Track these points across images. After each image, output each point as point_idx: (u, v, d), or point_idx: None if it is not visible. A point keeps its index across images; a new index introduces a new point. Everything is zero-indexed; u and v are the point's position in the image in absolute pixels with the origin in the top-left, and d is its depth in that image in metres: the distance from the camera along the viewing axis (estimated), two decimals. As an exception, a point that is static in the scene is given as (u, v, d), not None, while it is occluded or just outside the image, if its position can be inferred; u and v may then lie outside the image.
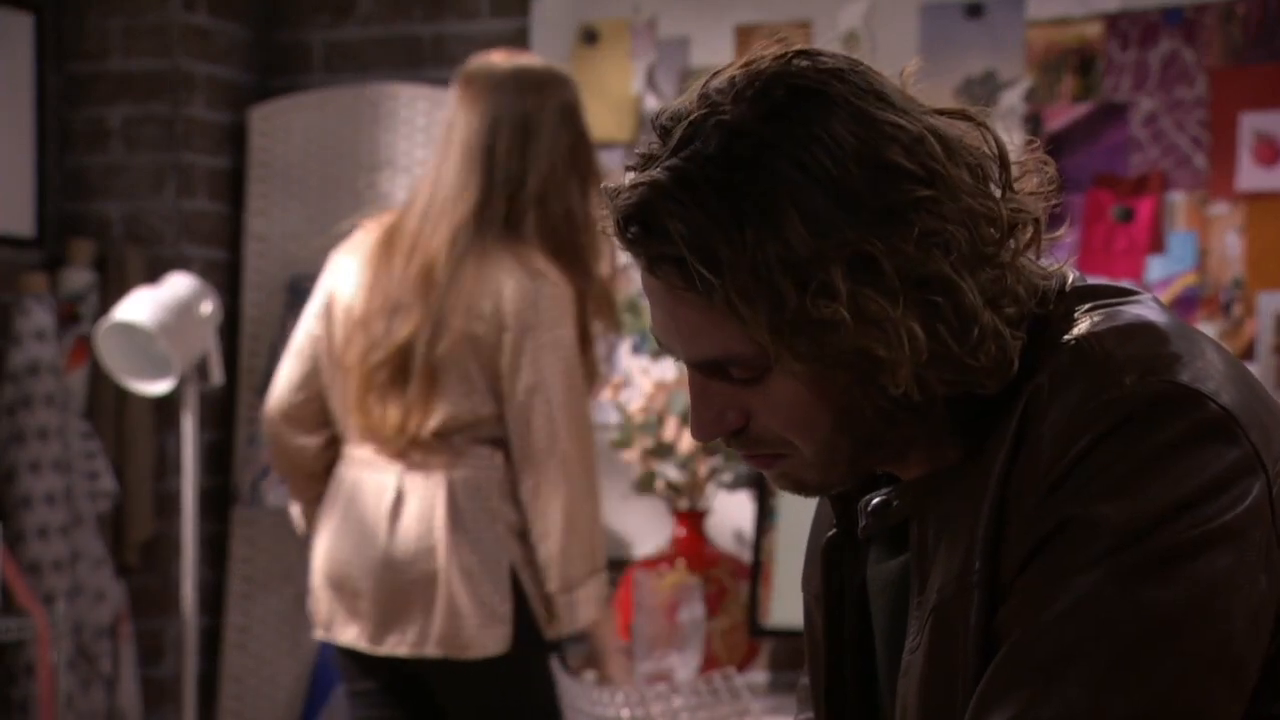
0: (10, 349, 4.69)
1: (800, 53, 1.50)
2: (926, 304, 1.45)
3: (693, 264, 1.44)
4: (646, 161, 1.48)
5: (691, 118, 1.48)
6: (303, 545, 4.80)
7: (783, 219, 1.43)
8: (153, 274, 4.64)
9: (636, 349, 4.65)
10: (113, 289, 4.74)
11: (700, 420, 1.52)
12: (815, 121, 1.45)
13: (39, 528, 4.65)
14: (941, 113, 1.51)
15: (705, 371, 1.52)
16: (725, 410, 1.52)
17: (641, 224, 1.47)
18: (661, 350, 1.53)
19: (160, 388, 4.30)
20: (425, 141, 4.93)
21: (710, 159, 1.45)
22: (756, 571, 4.16)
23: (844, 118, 1.46)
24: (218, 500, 4.99)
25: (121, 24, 5.00)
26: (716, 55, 4.64)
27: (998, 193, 1.50)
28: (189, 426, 4.41)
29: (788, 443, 1.53)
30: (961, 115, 1.52)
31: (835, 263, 1.43)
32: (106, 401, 4.80)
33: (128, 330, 4.25)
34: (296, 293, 4.90)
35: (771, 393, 1.50)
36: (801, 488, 1.57)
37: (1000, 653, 1.45)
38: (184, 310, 4.22)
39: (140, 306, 4.22)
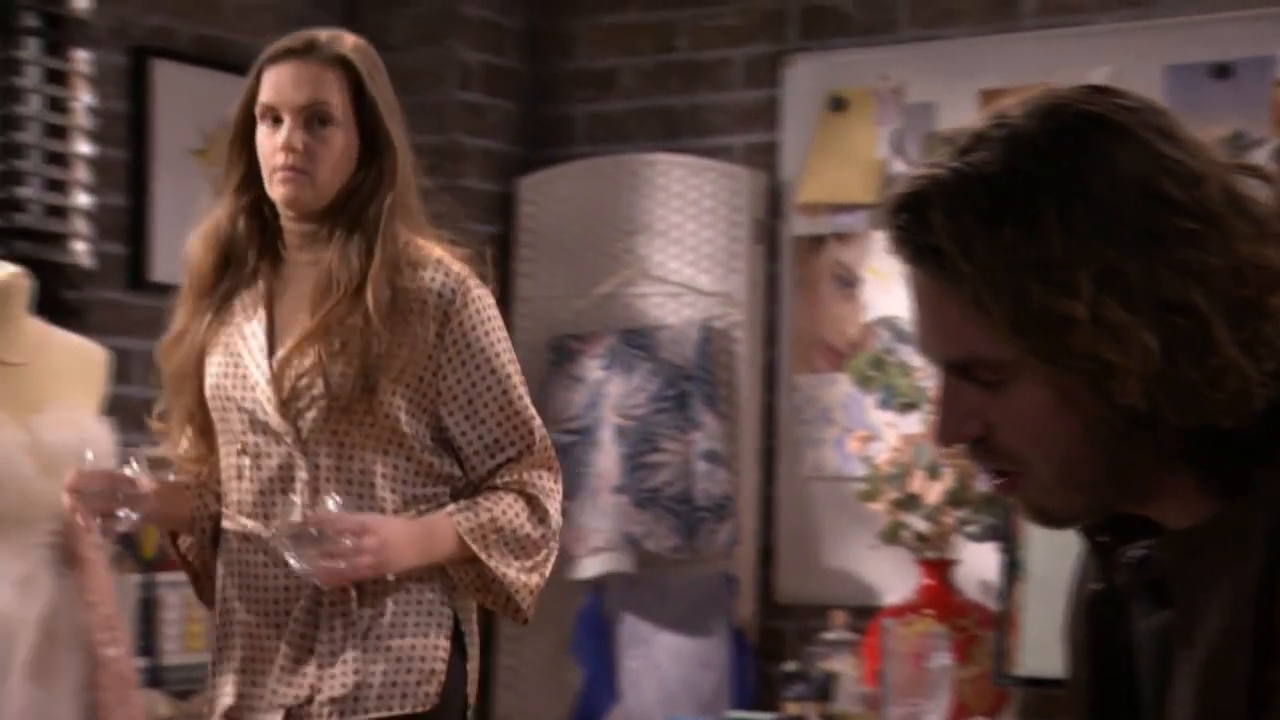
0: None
1: (1100, 88, 1.55)
2: (1168, 325, 1.47)
3: (949, 253, 1.49)
4: (930, 165, 1.54)
5: (980, 129, 1.54)
6: (571, 590, 5.05)
7: (1043, 224, 1.47)
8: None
9: (883, 404, 4.81)
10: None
11: (943, 424, 1.56)
12: (1098, 143, 1.49)
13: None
14: (1236, 167, 1.53)
15: (952, 372, 1.55)
16: (968, 417, 1.55)
17: (911, 212, 1.52)
18: (918, 351, 1.58)
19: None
20: (681, 206, 5.17)
21: (988, 161, 1.50)
22: (1004, 621, 4.23)
23: (1127, 146, 1.49)
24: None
25: (403, 104, 5.30)
26: (961, 120, 4.79)
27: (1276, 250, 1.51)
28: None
29: (1026, 460, 1.55)
30: (1255, 173, 1.54)
31: (1084, 269, 1.47)
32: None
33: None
34: (559, 352, 5.17)
35: (1013, 401, 1.53)
36: (1045, 515, 1.58)
37: (1272, 706, 1.46)
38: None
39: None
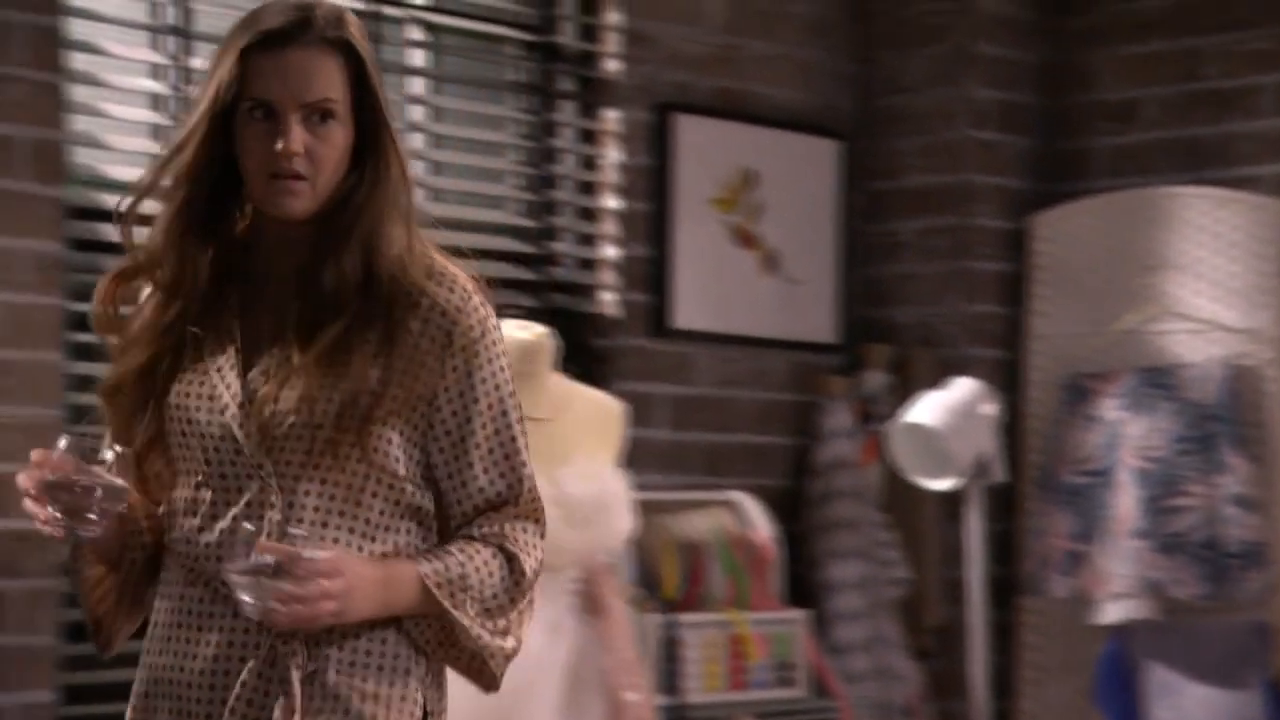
0: (816, 446, 5.11)
1: None
2: None
3: None
4: None
5: None
6: (1092, 635, 5.00)
7: None
8: (941, 375, 4.94)
9: None
10: (905, 389, 5.07)
11: None
12: None
13: (842, 612, 5.03)
14: None
15: None
16: None
17: None
18: None
19: (946, 484, 4.60)
20: (1206, 240, 5.06)
21: None
22: None
23: None
24: (1004, 588, 5.23)
25: (916, 144, 5.37)
26: None
27: None
28: (974, 519, 4.68)
29: None
30: None
31: None
32: (899, 495, 5.14)
33: (917, 430, 4.57)
34: (1074, 390, 5.12)
35: None
36: None
37: None
38: (967, 412, 4.51)
39: (928, 409, 4.54)
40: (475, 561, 2.48)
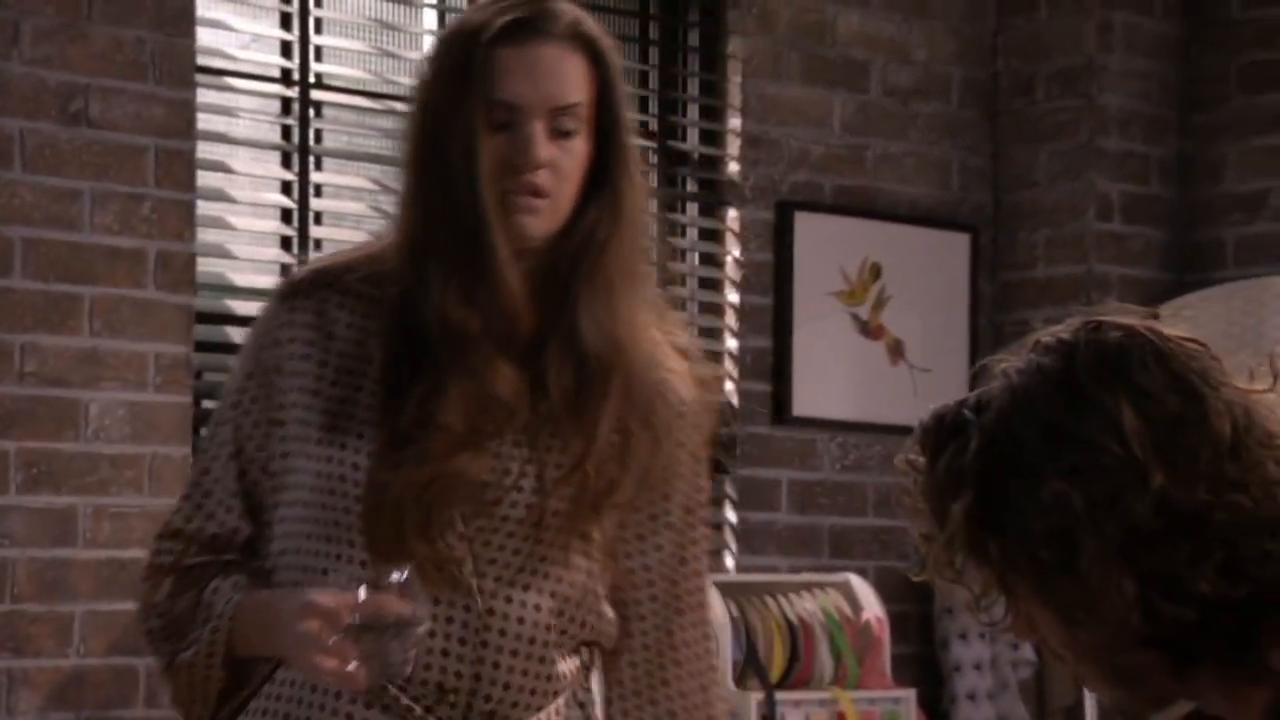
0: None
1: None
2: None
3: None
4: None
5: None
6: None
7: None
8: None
9: None
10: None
11: (1014, 628, 1.72)
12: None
13: (968, 692, 5.18)
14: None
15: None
16: (1025, 627, 1.69)
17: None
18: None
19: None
20: (1330, 328, 5.14)
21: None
22: None
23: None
24: (1134, 671, 5.32)
25: (1045, 236, 5.53)
26: None
27: None
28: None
29: (1066, 660, 1.69)
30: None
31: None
32: (1028, 578, 5.27)
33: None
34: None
35: (1031, 617, 1.67)
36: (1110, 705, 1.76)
37: None
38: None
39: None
40: None
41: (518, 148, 2.00)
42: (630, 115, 2.07)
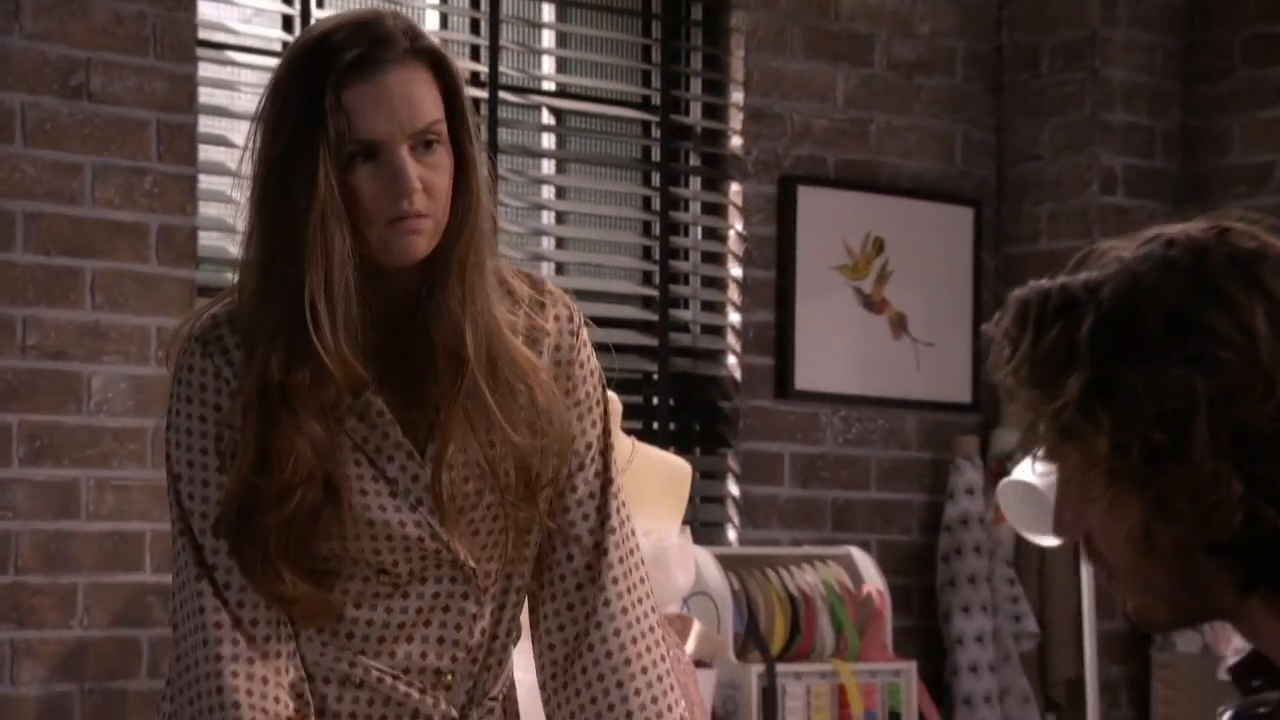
0: (945, 503, 5.29)
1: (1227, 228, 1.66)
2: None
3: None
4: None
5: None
6: (1224, 691, 5.07)
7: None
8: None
9: None
10: (1032, 448, 5.22)
11: (1055, 521, 1.67)
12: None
13: (970, 665, 5.19)
14: None
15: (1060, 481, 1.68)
16: (1075, 519, 1.64)
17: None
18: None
19: (1052, 541, 4.74)
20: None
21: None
22: None
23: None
24: (1137, 643, 5.34)
25: (1048, 210, 5.53)
26: None
27: None
28: (1088, 574, 4.81)
29: (1112, 566, 1.64)
30: None
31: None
32: (1030, 551, 5.28)
33: (1026, 487, 4.72)
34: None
35: (1103, 515, 1.62)
36: (1135, 618, 1.66)
37: None
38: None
39: (1031, 467, 4.69)
40: None
41: (390, 179, 2.05)
42: (474, 113, 2.13)
